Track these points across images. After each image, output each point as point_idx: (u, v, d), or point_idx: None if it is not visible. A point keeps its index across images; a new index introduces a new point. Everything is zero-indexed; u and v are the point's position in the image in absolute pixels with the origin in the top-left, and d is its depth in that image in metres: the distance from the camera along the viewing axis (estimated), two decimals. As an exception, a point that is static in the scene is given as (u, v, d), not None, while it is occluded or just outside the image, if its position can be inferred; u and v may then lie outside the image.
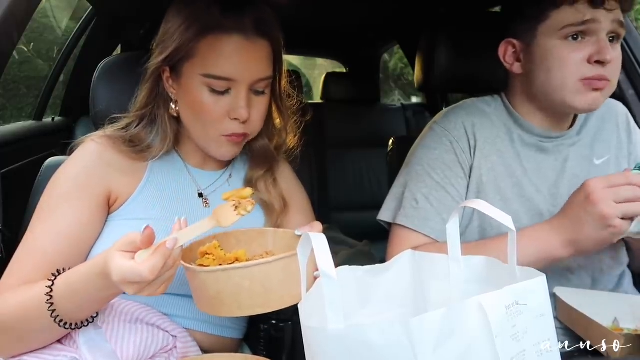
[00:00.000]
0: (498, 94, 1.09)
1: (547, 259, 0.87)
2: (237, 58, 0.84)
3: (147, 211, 0.90)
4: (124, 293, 0.69)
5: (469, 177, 1.02)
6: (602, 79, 0.92)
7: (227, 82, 0.84)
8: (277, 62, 0.93)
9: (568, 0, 0.91)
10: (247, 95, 0.86)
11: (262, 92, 0.90)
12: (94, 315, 0.79)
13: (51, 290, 0.73)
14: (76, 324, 0.77)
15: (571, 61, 0.92)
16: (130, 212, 0.89)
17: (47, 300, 0.73)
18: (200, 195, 0.96)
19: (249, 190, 0.76)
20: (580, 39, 0.92)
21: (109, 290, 0.72)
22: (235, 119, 0.86)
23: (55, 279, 0.74)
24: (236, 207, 0.74)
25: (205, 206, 0.96)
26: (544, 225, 0.90)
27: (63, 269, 0.76)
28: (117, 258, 0.65)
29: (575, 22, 0.91)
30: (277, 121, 1.01)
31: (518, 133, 1.03)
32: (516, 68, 1.02)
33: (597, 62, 0.91)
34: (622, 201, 0.81)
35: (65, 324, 0.75)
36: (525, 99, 1.03)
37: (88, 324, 0.78)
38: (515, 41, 1.00)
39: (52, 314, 0.73)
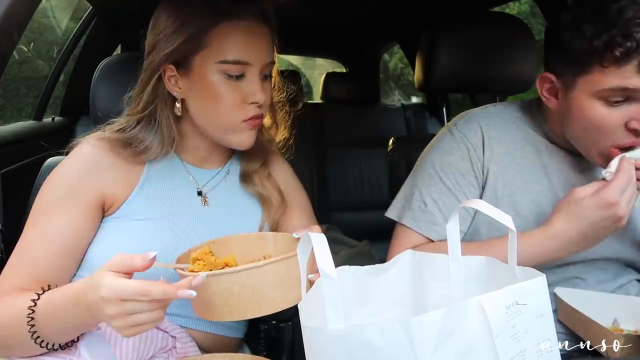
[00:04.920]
0: (529, 101, 1.04)
1: (550, 260, 0.89)
2: (250, 43, 0.87)
3: (146, 211, 0.90)
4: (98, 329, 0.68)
5: (483, 188, 0.99)
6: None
7: (243, 67, 0.86)
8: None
9: (615, 62, 0.81)
10: (259, 79, 0.89)
11: (270, 76, 0.93)
12: (75, 340, 0.78)
13: (34, 306, 0.73)
14: (53, 345, 0.76)
15: (607, 127, 0.85)
16: (129, 213, 0.89)
17: (29, 321, 0.73)
18: (199, 193, 0.96)
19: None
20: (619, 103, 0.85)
21: (82, 319, 0.71)
22: (253, 102, 0.88)
23: (40, 295, 0.74)
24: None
25: (204, 204, 0.96)
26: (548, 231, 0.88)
27: (49, 287, 0.76)
28: (110, 276, 0.64)
29: (617, 87, 0.82)
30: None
31: (545, 144, 1.00)
32: (553, 104, 0.94)
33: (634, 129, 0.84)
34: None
35: (46, 344, 0.74)
36: (560, 130, 0.97)
37: (67, 348, 0.77)
38: (553, 78, 0.92)
39: (32, 334, 0.73)
